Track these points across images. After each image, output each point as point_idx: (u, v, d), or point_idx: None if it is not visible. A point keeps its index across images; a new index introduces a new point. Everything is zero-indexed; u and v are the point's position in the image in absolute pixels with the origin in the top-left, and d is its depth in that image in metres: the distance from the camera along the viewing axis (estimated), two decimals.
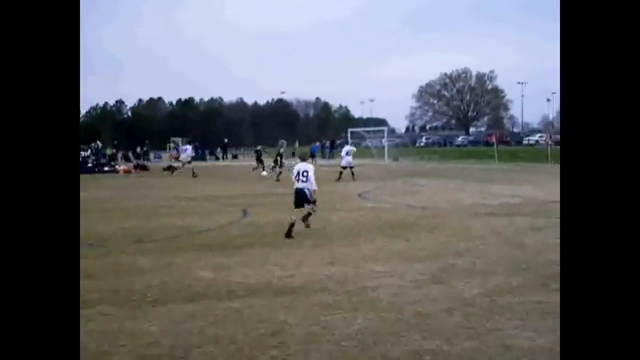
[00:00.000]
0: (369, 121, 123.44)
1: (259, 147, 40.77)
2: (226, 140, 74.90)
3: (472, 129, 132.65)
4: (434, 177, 32.74)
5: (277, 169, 32.24)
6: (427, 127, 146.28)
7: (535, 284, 8.82)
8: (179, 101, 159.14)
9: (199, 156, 67.76)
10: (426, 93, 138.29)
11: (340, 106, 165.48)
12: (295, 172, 13.81)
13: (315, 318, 7.36)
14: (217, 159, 71.70)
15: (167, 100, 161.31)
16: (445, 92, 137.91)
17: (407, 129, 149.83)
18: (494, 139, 60.74)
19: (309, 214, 13.85)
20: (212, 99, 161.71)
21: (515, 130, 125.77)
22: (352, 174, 31.17)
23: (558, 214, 16.35)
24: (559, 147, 70.23)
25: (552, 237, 12.71)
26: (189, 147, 39.17)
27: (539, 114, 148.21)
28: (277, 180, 30.16)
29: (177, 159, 61.31)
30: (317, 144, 73.23)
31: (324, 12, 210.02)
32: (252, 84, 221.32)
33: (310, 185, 13.50)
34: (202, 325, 7.13)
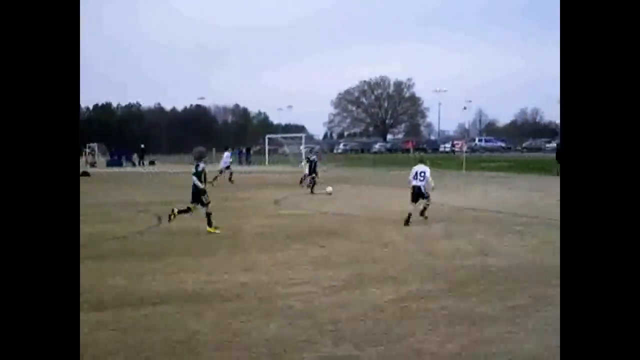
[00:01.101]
0: (288, 127, 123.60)
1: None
2: (143, 146, 73.59)
3: (389, 136, 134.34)
4: (350, 183, 32.92)
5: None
6: (345, 134, 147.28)
7: (446, 290, 8.98)
8: (96, 106, 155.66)
9: (115, 162, 66.54)
10: (345, 100, 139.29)
11: (259, 112, 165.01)
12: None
13: (227, 326, 7.31)
14: (134, 165, 70.41)
15: (84, 105, 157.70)
16: (364, 99, 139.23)
17: (325, 135, 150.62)
18: (410, 146, 61.71)
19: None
20: (130, 104, 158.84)
21: (432, 137, 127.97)
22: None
23: (471, 220, 16.80)
24: (473, 154, 71.87)
25: (463, 243, 13.00)
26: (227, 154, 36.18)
27: (456, 122, 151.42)
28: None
29: (93, 164, 59.90)
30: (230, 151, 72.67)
31: (247, 17, 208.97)
32: (169, 89, 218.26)
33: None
34: (112, 334, 7.00)
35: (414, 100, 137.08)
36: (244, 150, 75.23)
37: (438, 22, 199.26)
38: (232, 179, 34.20)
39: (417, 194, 16.60)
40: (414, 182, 16.65)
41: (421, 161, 17.67)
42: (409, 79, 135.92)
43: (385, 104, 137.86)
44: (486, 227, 15.66)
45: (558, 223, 14.64)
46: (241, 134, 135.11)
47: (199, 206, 14.92)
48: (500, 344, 6.76)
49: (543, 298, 8.46)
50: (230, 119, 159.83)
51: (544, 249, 12.31)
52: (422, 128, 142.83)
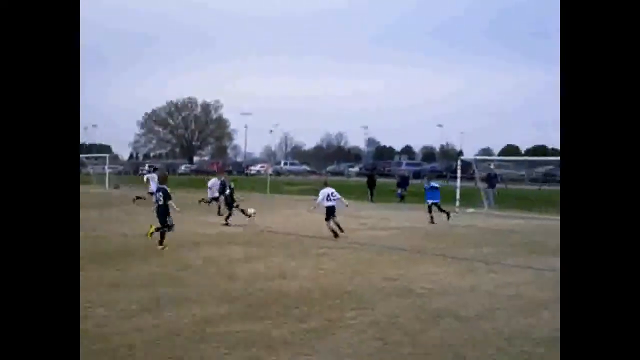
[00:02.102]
0: (92, 147, 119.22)
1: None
2: None
3: (196, 158, 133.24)
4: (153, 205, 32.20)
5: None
6: (152, 155, 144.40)
7: (243, 314, 8.98)
8: None
9: None
10: (151, 120, 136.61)
11: None
12: None
13: None
14: None
15: None
16: (170, 120, 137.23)
17: (131, 156, 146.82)
18: (215, 168, 61.42)
19: None
20: None
21: (239, 159, 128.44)
22: None
23: (272, 243, 17.00)
24: (278, 177, 72.71)
25: (263, 266, 13.11)
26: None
27: (262, 144, 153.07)
28: None
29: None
30: None
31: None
32: None
33: None
34: None
35: (221, 122, 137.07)
36: None
37: (253, 48, 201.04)
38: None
39: (331, 212, 19.19)
40: (328, 203, 19.27)
41: (326, 184, 20.56)
42: (216, 101, 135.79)
43: (192, 126, 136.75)
44: (287, 250, 15.90)
45: (359, 246, 15.16)
46: None
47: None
48: None
49: (338, 321, 8.67)
50: None
51: (342, 272, 12.69)
52: (228, 150, 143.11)
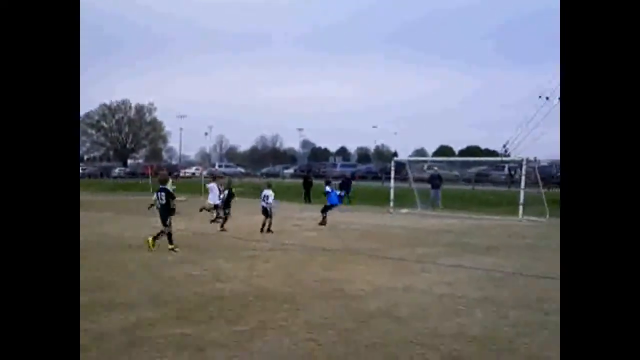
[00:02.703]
0: None
1: None
2: None
3: (130, 161, 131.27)
4: (85, 209, 31.67)
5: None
6: (85, 158, 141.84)
7: (175, 317, 8.88)
8: None
9: None
10: (84, 124, 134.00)
11: None
12: None
13: None
14: None
15: None
16: (104, 123, 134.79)
17: None
18: (149, 172, 60.62)
19: None
20: None
21: (174, 162, 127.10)
22: None
23: (207, 246, 16.86)
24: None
25: (198, 269, 13.00)
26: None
27: (197, 147, 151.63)
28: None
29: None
30: None
31: None
32: None
33: None
34: None
35: (156, 124, 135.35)
36: None
37: (188, 50, 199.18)
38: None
39: (264, 212, 20.90)
40: (262, 203, 21.04)
41: (269, 186, 21.87)
42: (150, 103, 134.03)
43: (126, 129, 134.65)
44: (221, 252, 15.81)
45: (293, 248, 15.17)
46: None
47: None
48: None
49: (272, 322, 8.65)
50: None
51: (276, 273, 12.67)
52: (163, 153, 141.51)
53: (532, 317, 9.19)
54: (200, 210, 26.30)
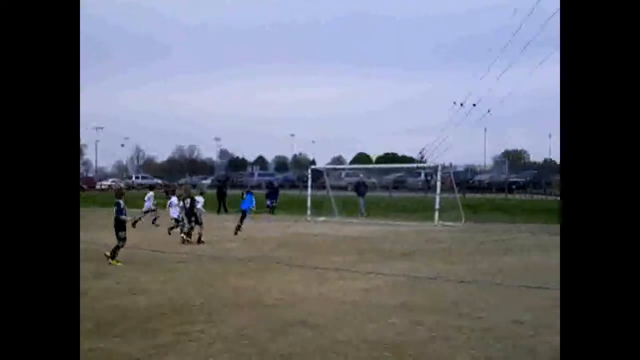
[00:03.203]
0: None
1: None
2: None
3: None
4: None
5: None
6: None
7: (90, 331, 8.62)
8: None
9: None
10: None
11: None
12: None
13: None
14: None
15: None
16: None
17: None
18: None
19: None
20: None
21: (90, 175, 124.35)
22: None
23: (124, 259, 16.47)
24: (131, 190, 70.91)
25: (113, 282, 12.70)
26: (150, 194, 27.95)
27: (114, 159, 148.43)
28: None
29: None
30: None
31: None
32: None
33: None
34: None
35: None
36: None
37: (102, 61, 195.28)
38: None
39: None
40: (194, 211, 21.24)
41: (201, 194, 22.91)
42: None
43: None
44: (138, 264, 15.56)
45: (209, 259, 15.01)
46: None
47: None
48: None
49: (187, 334, 8.56)
50: None
51: (192, 285, 12.52)
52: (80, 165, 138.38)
53: (448, 321, 9.30)
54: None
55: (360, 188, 36.42)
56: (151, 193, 28.55)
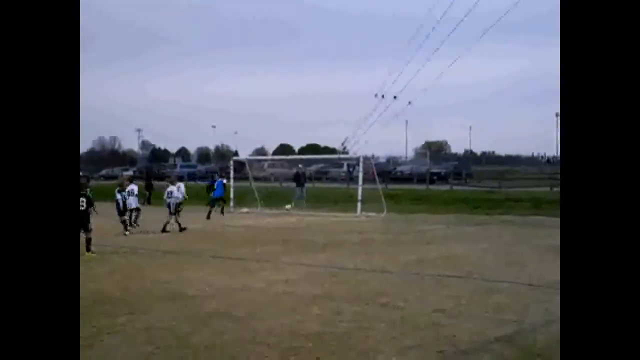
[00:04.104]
0: None
1: None
2: None
3: None
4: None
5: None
6: None
7: None
8: None
9: None
10: None
11: None
12: None
13: None
14: None
15: None
16: None
17: None
18: None
19: None
20: None
21: None
22: None
23: None
24: None
25: None
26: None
27: None
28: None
29: None
30: None
31: None
32: None
33: None
34: None
35: None
36: None
37: None
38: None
39: (169, 208, 22.05)
40: (167, 200, 22.28)
41: (172, 183, 23.41)
42: None
43: None
44: None
45: (131, 251, 14.85)
46: None
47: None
48: None
49: (108, 327, 8.50)
50: None
51: (113, 277, 12.44)
52: None
53: (369, 311, 9.44)
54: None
55: (299, 179, 36.08)
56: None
